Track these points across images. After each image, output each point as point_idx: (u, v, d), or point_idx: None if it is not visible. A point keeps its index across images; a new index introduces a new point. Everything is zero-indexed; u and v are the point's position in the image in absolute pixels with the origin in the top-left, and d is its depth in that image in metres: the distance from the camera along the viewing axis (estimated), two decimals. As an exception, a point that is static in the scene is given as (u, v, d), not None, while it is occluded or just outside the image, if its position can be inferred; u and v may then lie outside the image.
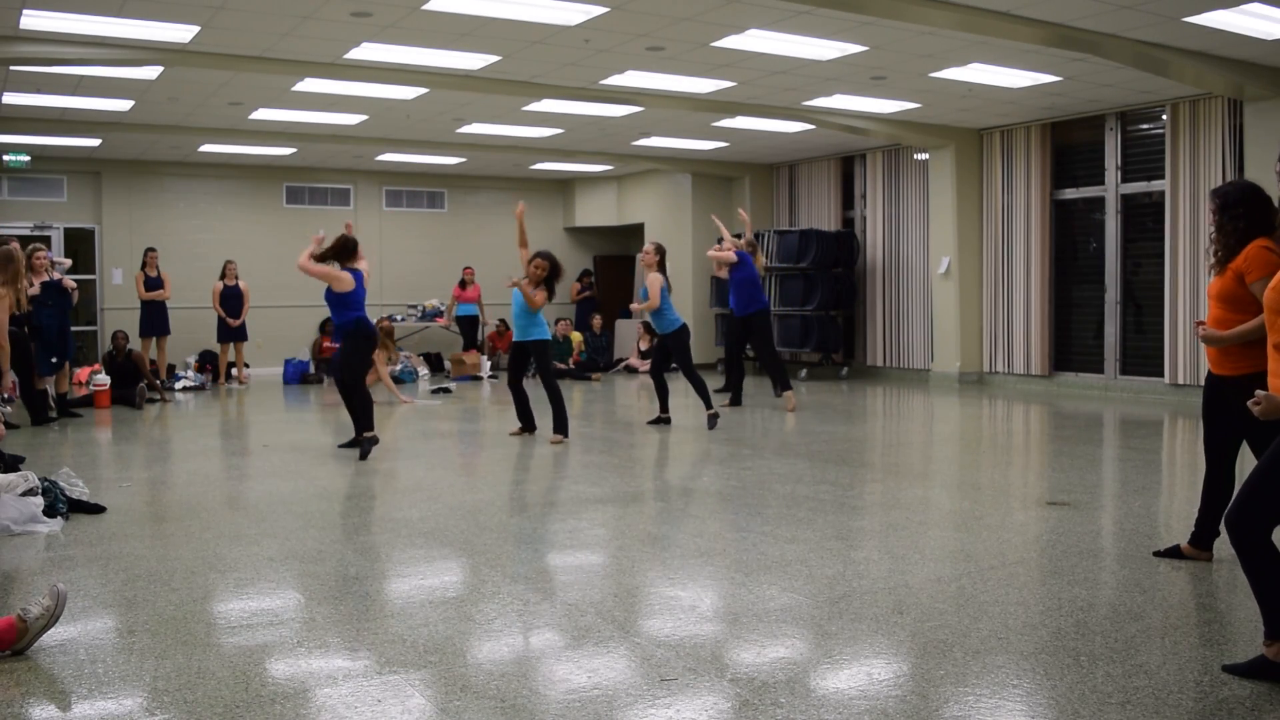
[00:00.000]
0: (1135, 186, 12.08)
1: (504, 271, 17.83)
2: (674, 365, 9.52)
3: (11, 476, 5.63)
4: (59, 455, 8.07)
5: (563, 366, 15.65)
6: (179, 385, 13.65)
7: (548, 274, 8.41)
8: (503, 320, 17.51)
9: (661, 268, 9.19)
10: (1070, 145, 12.80)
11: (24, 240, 12.90)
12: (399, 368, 14.29)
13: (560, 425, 8.40)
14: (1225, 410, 4.34)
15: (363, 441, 7.80)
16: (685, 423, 9.65)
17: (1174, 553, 4.67)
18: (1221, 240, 4.28)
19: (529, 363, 8.76)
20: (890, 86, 10.77)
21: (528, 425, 8.75)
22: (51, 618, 3.62)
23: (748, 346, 11.45)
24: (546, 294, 8.42)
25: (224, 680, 3.31)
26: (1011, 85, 10.65)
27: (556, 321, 16.57)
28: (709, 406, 9.17)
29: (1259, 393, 3.28)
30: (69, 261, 12.15)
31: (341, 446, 8.20)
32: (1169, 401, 11.22)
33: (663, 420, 9.38)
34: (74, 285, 11.00)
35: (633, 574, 4.62)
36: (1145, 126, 11.98)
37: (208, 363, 15.01)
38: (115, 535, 5.35)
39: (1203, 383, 4.57)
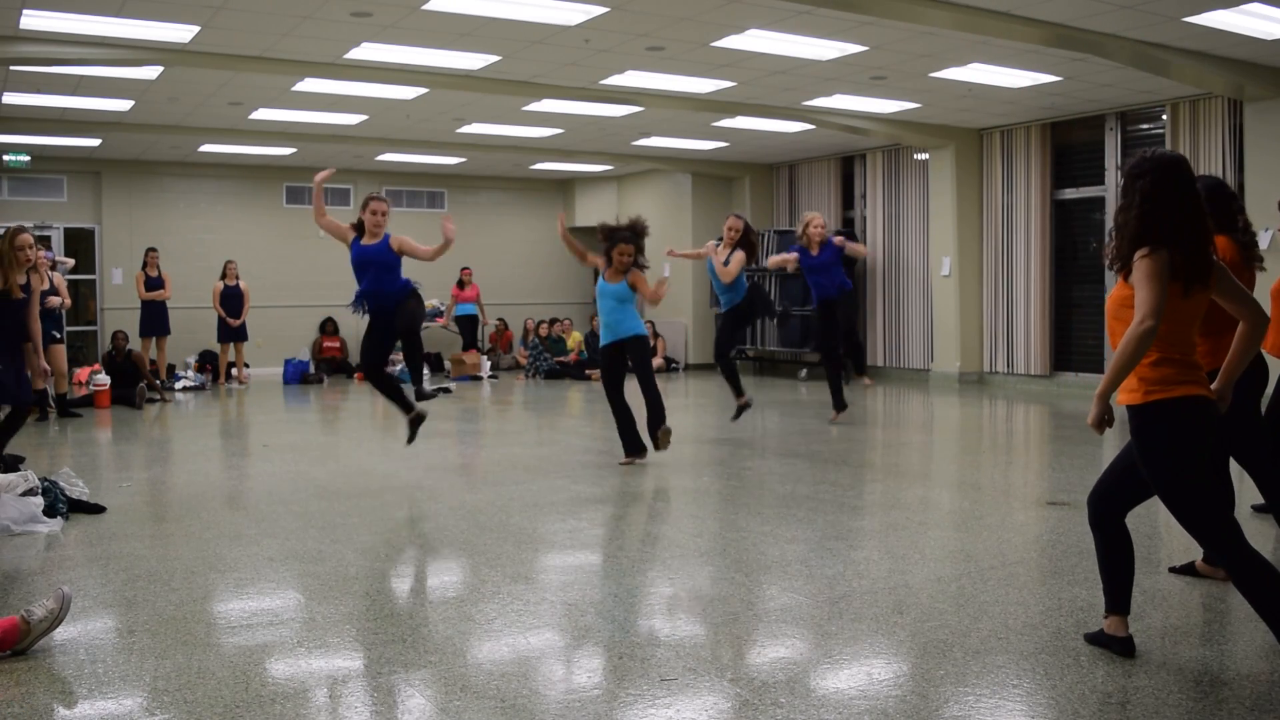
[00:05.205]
0: (1135, 186, 12.06)
1: (504, 272, 18.01)
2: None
3: (11, 476, 5.63)
4: (59, 455, 8.07)
5: (563, 360, 15.71)
6: (179, 385, 13.65)
7: (634, 258, 7.45)
8: (501, 319, 17.53)
9: (744, 244, 8.61)
10: (1070, 145, 12.79)
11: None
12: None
13: (655, 423, 7.34)
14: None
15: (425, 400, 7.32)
16: (685, 423, 9.65)
17: (1189, 570, 4.45)
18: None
19: (626, 366, 7.52)
20: (890, 86, 10.77)
21: (637, 449, 7.43)
22: (55, 620, 3.62)
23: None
24: (641, 273, 7.47)
25: (224, 680, 3.31)
26: (1011, 85, 10.65)
27: (553, 322, 16.60)
28: (739, 394, 8.86)
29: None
30: (71, 261, 12.14)
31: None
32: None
33: (743, 407, 8.88)
34: (58, 303, 10.19)
35: (633, 574, 4.62)
36: (1145, 126, 11.97)
37: (208, 363, 15.01)
38: (115, 535, 5.35)
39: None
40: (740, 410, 8.91)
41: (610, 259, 7.43)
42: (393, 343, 7.28)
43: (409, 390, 7.38)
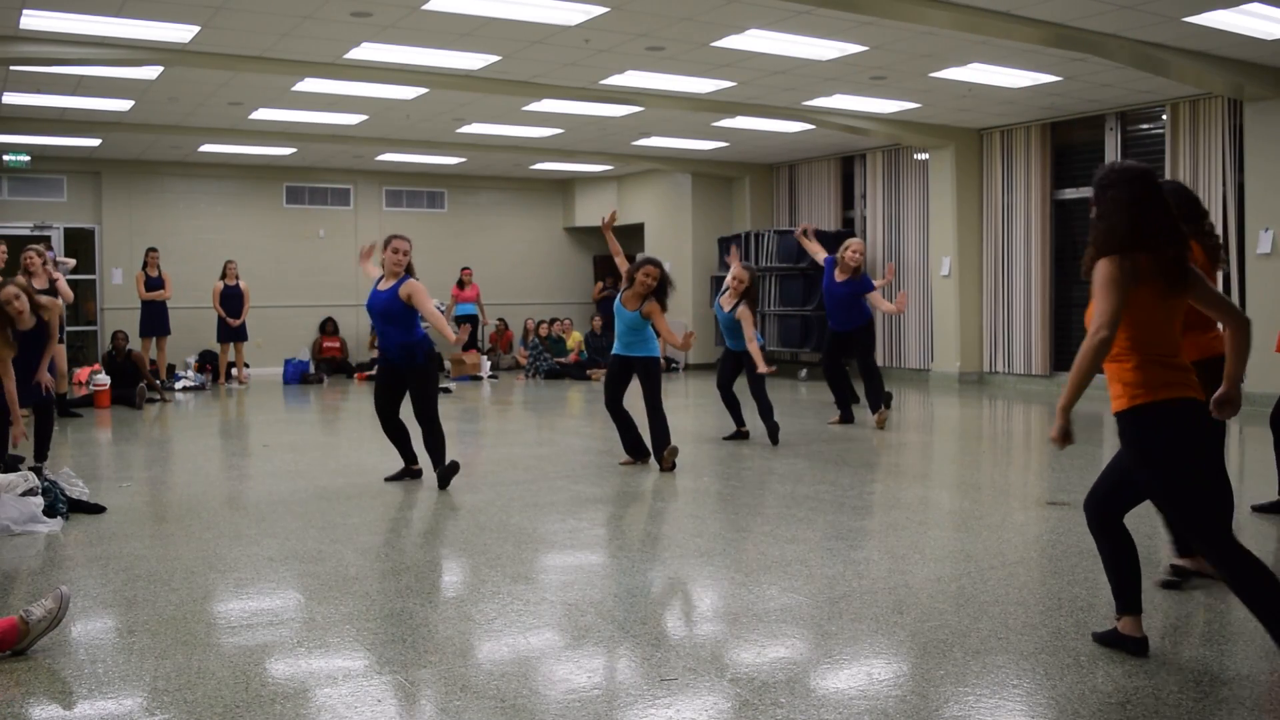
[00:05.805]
0: (1135, 186, 12.06)
1: (504, 272, 18.00)
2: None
3: (11, 476, 5.63)
4: (59, 455, 8.06)
5: (563, 361, 15.71)
6: (179, 385, 13.65)
7: (659, 283, 7.23)
8: (501, 319, 17.53)
9: (747, 295, 8.26)
10: (1070, 145, 12.80)
11: (24, 240, 12.90)
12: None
13: (660, 444, 7.24)
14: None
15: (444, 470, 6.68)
16: (685, 423, 9.65)
17: (1188, 570, 4.37)
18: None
19: (630, 382, 7.46)
20: (890, 86, 10.77)
21: (639, 455, 7.45)
22: (54, 620, 3.62)
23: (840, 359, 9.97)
24: (659, 308, 7.22)
25: (224, 680, 3.31)
26: (1011, 85, 10.65)
27: (553, 322, 16.61)
28: (770, 430, 8.46)
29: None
30: (72, 261, 12.13)
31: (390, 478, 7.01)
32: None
33: (741, 435, 8.59)
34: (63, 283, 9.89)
35: (633, 574, 4.62)
36: (1145, 126, 11.98)
37: (208, 363, 15.02)
38: (115, 535, 5.35)
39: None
40: (735, 436, 8.66)
41: (633, 280, 7.21)
42: (400, 399, 6.76)
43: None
